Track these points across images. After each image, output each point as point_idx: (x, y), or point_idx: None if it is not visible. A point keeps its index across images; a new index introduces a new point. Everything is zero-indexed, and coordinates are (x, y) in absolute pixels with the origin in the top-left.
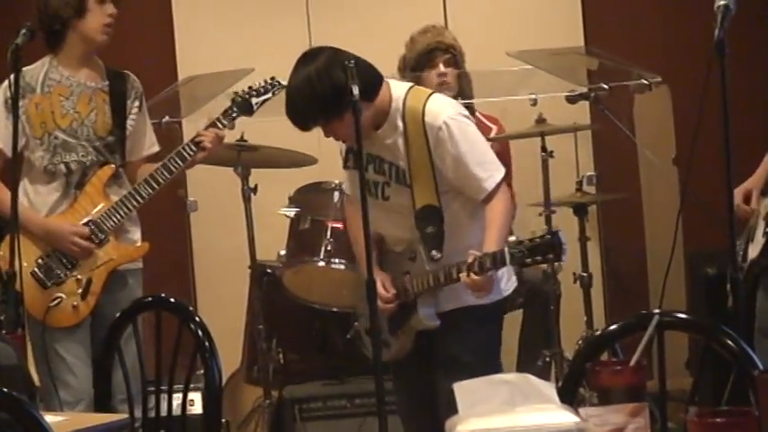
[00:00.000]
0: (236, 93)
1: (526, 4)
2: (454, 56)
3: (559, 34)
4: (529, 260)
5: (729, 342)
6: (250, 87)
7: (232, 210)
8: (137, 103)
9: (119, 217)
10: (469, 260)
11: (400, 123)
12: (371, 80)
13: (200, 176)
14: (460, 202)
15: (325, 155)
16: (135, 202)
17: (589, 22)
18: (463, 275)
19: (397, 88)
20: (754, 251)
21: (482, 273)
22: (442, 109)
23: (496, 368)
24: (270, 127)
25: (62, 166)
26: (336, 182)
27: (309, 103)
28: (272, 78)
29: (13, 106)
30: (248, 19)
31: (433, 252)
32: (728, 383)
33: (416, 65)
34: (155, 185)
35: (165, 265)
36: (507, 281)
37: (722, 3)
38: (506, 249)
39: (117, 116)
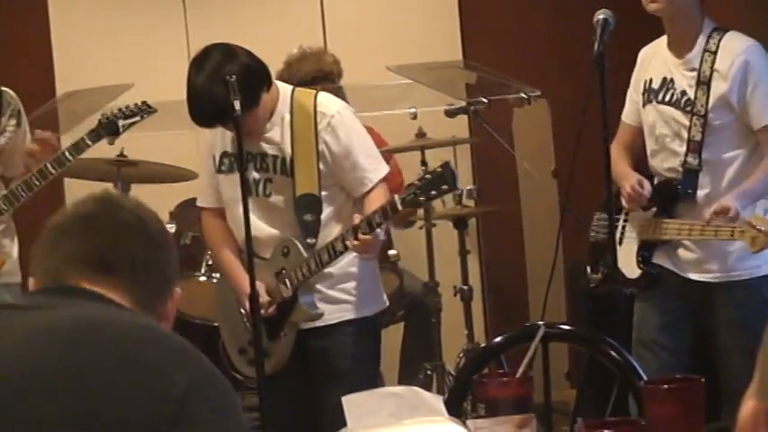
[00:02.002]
0: (103, 114)
1: (405, 18)
2: (333, 81)
3: (438, 48)
4: (423, 198)
5: (614, 353)
6: (120, 109)
7: None
8: (13, 121)
9: None
10: (356, 222)
11: (287, 115)
12: (262, 81)
13: (79, 192)
14: (346, 195)
15: None
16: (9, 205)
17: (467, 36)
18: (349, 241)
19: (283, 85)
20: (626, 267)
21: (371, 232)
22: (335, 101)
23: (375, 380)
24: (150, 142)
25: None
26: None
27: (205, 108)
28: (144, 102)
29: None
30: (127, 33)
31: (309, 239)
32: (612, 394)
33: None
34: (28, 191)
35: None
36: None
37: (601, 17)
38: (396, 197)
39: None
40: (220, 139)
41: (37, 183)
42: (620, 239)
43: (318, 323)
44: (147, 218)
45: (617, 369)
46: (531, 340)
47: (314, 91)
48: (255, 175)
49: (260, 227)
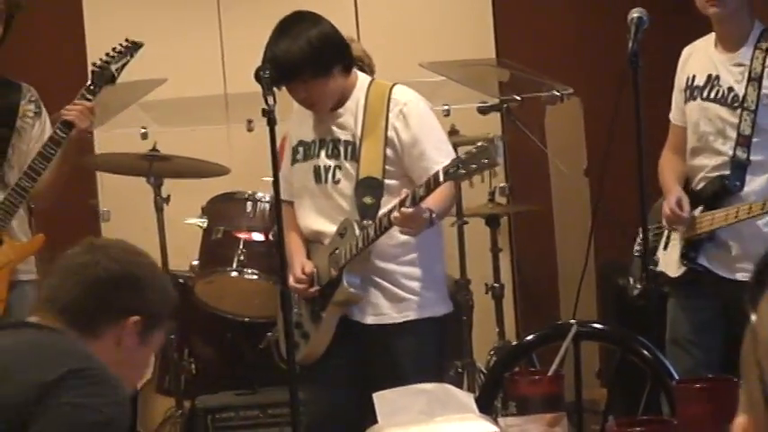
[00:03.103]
0: (93, 64)
1: (438, 15)
2: (362, 68)
3: (471, 45)
4: (464, 171)
5: (645, 352)
6: (107, 54)
7: (144, 220)
8: (32, 107)
9: (7, 216)
10: (402, 196)
11: (362, 101)
12: (339, 56)
13: (112, 186)
14: (404, 183)
15: (237, 165)
16: (19, 197)
17: (501, 33)
18: (394, 214)
19: (363, 75)
20: (669, 268)
21: (414, 205)
22: (410, 92)
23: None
24: (182, 137)
25: None
26: (249, 192)
27: (315, 53)
28: (127, 40)
29: None
30: (161, 31)
31: (366, 221)
32: (644, 393)
33: None
34: (35, 176)
35: None
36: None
37: (635, 15)
38: (440, 169)
39: (3, 115)
40: (297, 127)
41: (51, 150)
42: (666, 244)
43: (384, 321)
44: (102, 262)
45: (648, 368)
46: (563, 339)
47: (390, 83)
48: (327, 161)
49: (328, 216)
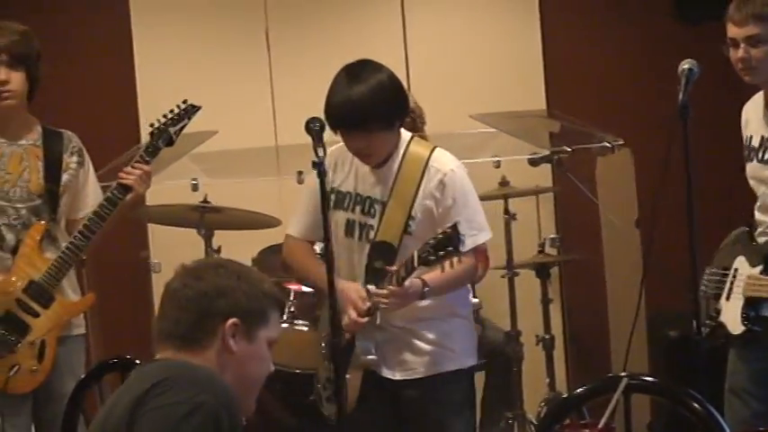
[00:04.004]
0: (152, 125)
1: (489, 66)
2: (413, 119)
3: (521, 97)
4: (433, 257)
5: (697, 406)
6: (165, 117)
7: None
8: (75, 158)
9: (61, 274)
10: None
11: (398, 160)
12: (404, 111)
13: (163, 238)
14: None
15: (287, 217)
16: (73, 255)
17: (551, 85)
18: (376, 289)
19: (404, 131)
20: (730, 322)
21: (400, 284)
22: (451, 159)
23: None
24: (233, 188)
25: None
26: None
27: (385, 103)
28: (185, 102)
29: None
30: (212, 82)
31: (370, 286)
32: None
33: None
34: (89, 235)
35: (128, 326)
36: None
37: (686, 66)
38: (414, 252)
39: (50, 171)
40: (340, 172)
41: (107, 211)
42: (728, 295)
43: (413, 376)
44: (188, 282)
45: (700, 422)
46: (614, 391)
47: (431, 145)
48: (362, 218)
49: (350, 270)
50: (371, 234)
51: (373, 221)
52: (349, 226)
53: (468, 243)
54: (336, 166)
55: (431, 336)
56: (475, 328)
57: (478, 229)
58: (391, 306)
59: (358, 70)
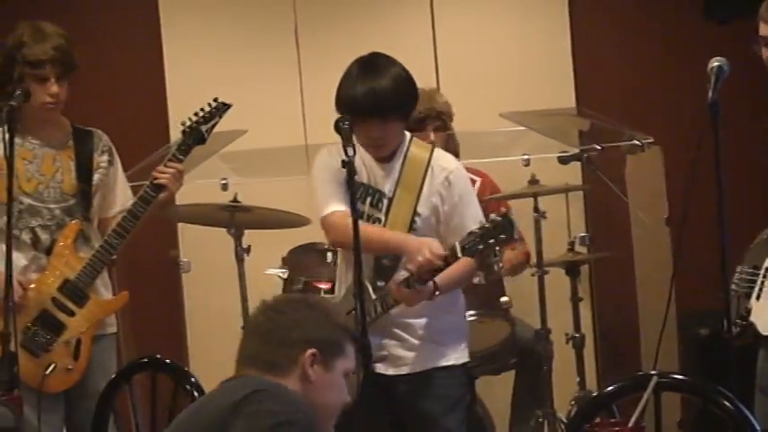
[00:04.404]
0: (183, 123)
1: (518, 64)
2: (444, 121)
3: (551, 95)
4: (481, 246)
5: (727, 404)
6: (196, 115)
7: (225, 270)
8: (105, 157)
9: (95, 273)
10: (413, 270)
11: (400, 158)
12: (414, 102)
13: (193, 237)
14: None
15: (317, 215)
16: (107, 254)
17: (581, 83)
18: (398, 287)
19: (405, 131)
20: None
21: (430, 279)
22: (452, 159)
23: (464, 426)
24: (263, 188)
25: (27, 232)
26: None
27: (404, 94)
28: (216, 100)
29: (8, 167)
30: (242, 81)
31: (379, 282)
32: None
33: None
34: (124, 233)
35: (158, 325)
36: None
37: (716, 64)
38: (456, 243)
39: (82, 171)
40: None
41: (141, 209)
42: (759, 294)
43: (406, 371)
44: (270, 316)
45: (730, 420)
46: (644, 389)
47: (429, 146)
48: (369, 210)
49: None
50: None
51: (380, 215)
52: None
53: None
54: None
55: (422, 332)
56: (505, 327)
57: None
58: (407, 302)
59: (373, 61)
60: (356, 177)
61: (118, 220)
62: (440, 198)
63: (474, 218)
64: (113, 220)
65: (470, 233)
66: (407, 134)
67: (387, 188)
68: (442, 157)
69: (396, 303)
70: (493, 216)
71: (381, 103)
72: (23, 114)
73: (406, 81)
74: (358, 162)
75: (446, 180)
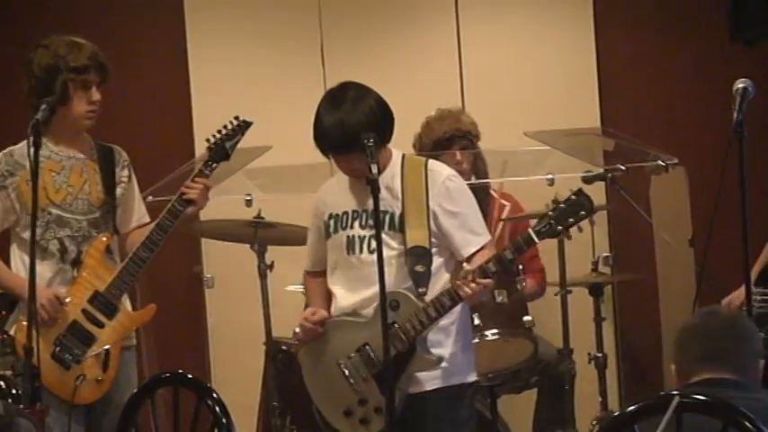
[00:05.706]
0: (207, 140)
1: (543, 84)
2: (471, 141)
3: (576, 115)
4: (560, 227)
5: (748, 425)
6: (220, 132)
7: (248, 286)
8: (125, 172)
9: (125, 285)
10: (478, 263)
11: (398, 174)
12: (390, 126)
13: (216, 253)
14: (445, 259)
15: None
16: (137, 267)
17: (605, 103)
18: (462, 290)
19: (395, 149)
20: None
21: (498, 271)
22: (446, 167)
23: None
24: (287, 204)
25: (54, 243)
26: None
27: (375, 124)
28: (237, 118)
29: (33, 179)
30: (266, 97)
31: (421, 289)
32: None
33: (433, 150)
34: (153, 247)
35: (181, 340)
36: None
37: (741, 85)
38: (530, 230)
39: (106, 184)
40: (331, 199)
41: (169, 223)
42: None
43: (416, 390)
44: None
45: None
46: (666, 410)
47: (423, 158)
48: (360, 232)
49: (358, 288)
50: (373, 244)
51: (371, 232)
52: (350, 243)
53: (483, 240)
54: (334, 192)
55: (435, 350)
56: (528, 346)
57: (486, 229)
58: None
59: (341, 93)
60: (338, 209)
61: (132, 235)
62: (438, 205)
63: (476, 217)
64: (128, 235)
65: (544, 216)
66: (398, 153)
67: (381, 206)
68: (434, 166)
69: (456, 302)
70: (568, 197)
71: (351, 134)
72: (58, 124)
73: (378, 107)
74: (339, 188)
75: (444, 185)
